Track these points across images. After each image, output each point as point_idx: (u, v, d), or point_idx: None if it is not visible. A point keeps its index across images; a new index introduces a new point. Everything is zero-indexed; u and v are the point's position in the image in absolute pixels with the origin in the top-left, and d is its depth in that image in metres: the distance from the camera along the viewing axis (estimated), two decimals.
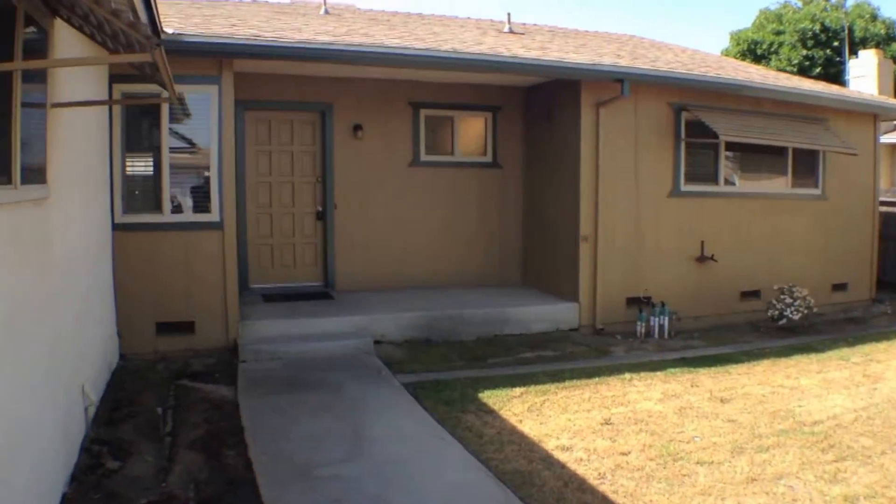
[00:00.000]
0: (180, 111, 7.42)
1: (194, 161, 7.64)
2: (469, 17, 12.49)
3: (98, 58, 6.06)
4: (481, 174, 10.35)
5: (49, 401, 4.22)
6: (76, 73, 5.31)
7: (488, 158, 10.40)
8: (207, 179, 7.47)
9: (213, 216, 7.46)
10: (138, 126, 7.38)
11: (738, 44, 27.15)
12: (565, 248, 9.47)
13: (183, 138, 7.49)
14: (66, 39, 4.64)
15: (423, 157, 9.98)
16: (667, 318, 9.17)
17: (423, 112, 9.93)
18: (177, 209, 7.47)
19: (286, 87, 9.18)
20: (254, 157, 9.30)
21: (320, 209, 9.61)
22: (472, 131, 10.43)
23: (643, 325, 9.17)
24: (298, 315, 8.09)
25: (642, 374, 7.33)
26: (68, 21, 4.46)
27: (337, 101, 9.46)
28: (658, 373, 7.40)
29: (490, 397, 6.40)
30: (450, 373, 7.22)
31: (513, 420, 5.88)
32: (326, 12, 10.18)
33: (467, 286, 10.14)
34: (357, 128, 9.48)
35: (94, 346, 5.94)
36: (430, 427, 5.62)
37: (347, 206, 9.63)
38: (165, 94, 7.10)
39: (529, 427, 5.73)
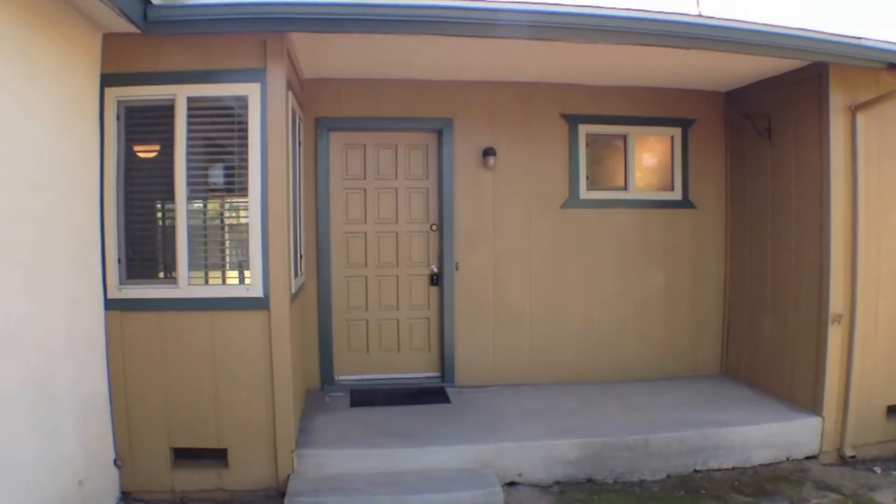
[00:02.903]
0: (204, 127, 4.87)
1: (225, 203, 5.06)
2: None
3: None
4: (666, 218, 7.13)
5: None
6: None
7: (676, 195, 7.18)
8: (245, 232, 4.84)
9: (251, 289, 4.79)
10: (143, 152, 4.92)
11: None
12: (801, 329, 6.03)
13: (208, 168, 4.92)
14: None
15: (584, 193, 6.93)
16: None
17: (583, 129, 6.91)
18: (199, 277, 4.88)
19: (387, 98, 6.52)
20: (341, 196, 6.67)
21: (435, 270, 6.81)
22: (652, 156, 7.26)
23: None
24: (390, 439, 5.22)
25: None
26: None
27: (459, 115, 6.67)
28: None
29: None
30: None
31: None
32: None
33: (644, 379, 6.95)
34: (488, 153, 6.63)
35: None
36: None
37: (473, 266, 6.75)
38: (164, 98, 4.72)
39: None
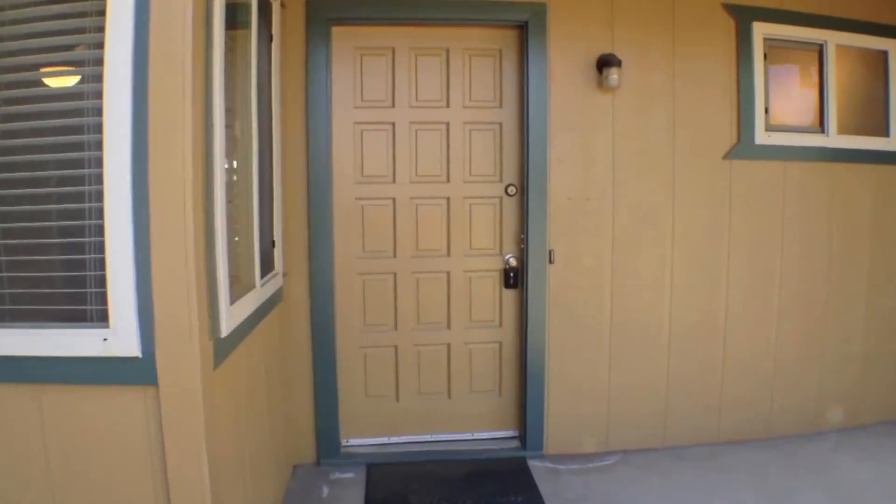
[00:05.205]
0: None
1: (65, 166, 2.32)
2: None
3: None
4: (876, 178, 4.30)
5: None
6: None
7: (892, 143, 4.40)
8: (100, 226, 2.14)
9: (116, 340, 2.08)
10: None
11: None
12: None
13: (25, 86, 2.23)
14: None
15: (761, 135, 4.12)
16: None
17: (759, 29, 4.10)
18: (11, 315, 2.19)
19: None
20: (351, 138, 3.95)
21: (513, 262, 4.10)
22: (859, 79, 4.46)
23: None
24: None
25: None
26: None
27: (557, 1, 3.94)
28: None
29: None
30: None
31: None
32: None
33: (830, 428, 4.28)
34: (607, 63, 3.85)
35: None
36: None
37: (579, 255, 4.02)
38: None
39: None
